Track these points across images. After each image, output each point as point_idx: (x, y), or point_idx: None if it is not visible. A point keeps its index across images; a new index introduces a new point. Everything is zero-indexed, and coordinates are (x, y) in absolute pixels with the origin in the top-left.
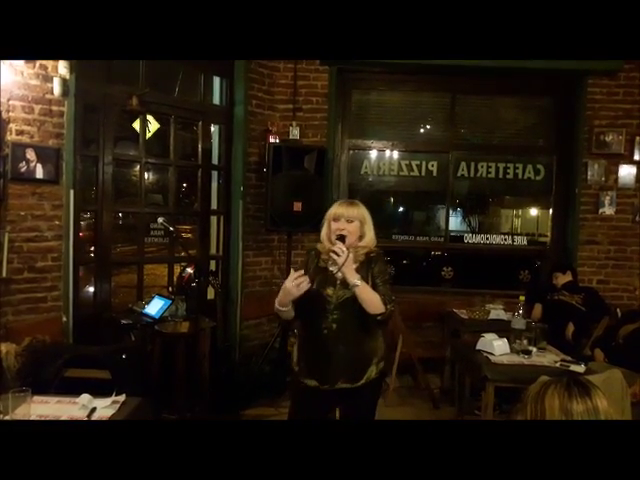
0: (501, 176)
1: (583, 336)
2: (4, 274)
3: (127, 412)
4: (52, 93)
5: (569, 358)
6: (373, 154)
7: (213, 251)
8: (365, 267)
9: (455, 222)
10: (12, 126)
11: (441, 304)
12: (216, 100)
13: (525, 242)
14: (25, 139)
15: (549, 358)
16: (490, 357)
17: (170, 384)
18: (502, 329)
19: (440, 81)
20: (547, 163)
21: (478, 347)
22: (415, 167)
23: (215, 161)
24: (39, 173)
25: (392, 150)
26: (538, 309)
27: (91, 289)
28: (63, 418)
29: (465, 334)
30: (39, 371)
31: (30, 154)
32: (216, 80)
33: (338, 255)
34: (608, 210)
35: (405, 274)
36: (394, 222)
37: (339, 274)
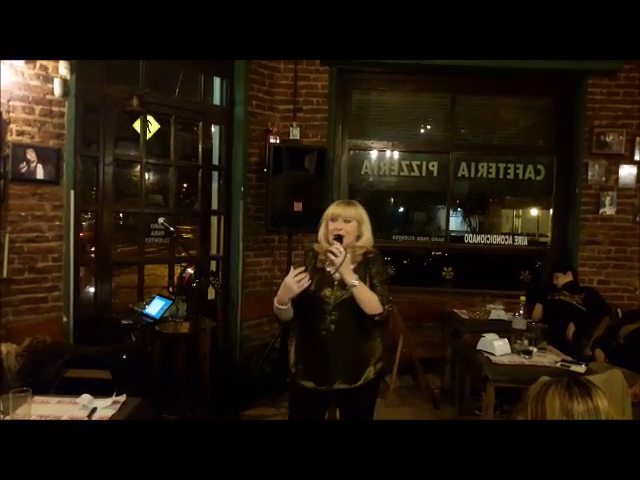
0: (501, 176)
1: (584, 336)
2: (5, 274)
3: (127, 412)
4: (52, 94)
5: (570, 358)
6: (373, 154)
7: (213, 251)
8: (363, 267)
9: (455, 222)
10: (13, 127)
11: (442, 304)
12: (216, 100)
13: (525, 242)
14: (26, 140)
15: (550, 358)
16: (491, 357)
17: (170, 384)
18: (503, 329)
19: (440, 81)
20: (547, 163)
21: (479, 347)
22: (415, 167)
23: (215, 161)
24: (40, 174)
25: (392, 150)
26: (539, 309)
27: (92, 289)
28: (63, 418)
29: (466, 334)
30: (40, 371)
31: (31, 155)
32: (216, 80)
33: (336, 255)
34: (609, 210)
35: (405, 274)
36: (394, 222)
37: (337, 275)
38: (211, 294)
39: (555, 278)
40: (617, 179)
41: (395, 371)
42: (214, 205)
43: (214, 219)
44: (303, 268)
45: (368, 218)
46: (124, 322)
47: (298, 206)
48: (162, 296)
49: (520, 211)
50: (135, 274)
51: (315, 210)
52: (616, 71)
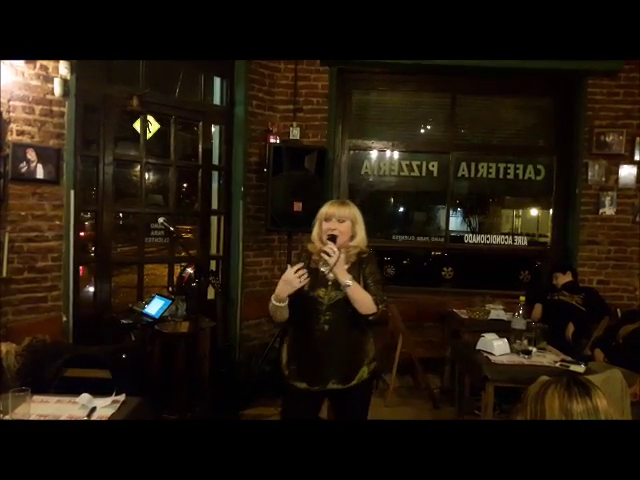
0: (501, 176)
1: (583, 336)
2: (4, 274)
3: (127, 412)
4: (53, 94)
5: (569, 358)
6: (373, 154)
7: (213, 251)
8: (357, 267)
9: (455, 222)
10: (13, 126)
11: (441, 304)
12: (216, 100)
13: (525, 242)
14: (26, 139)
15: (549, 358)
16: (490, 357)
17: (170, 384)
18: (502, 329)
19: (440, 81)
20: (547, 163)
21: (478, 347)
22: (415, 167)
23: (215, 161)
24: (39, 173)
25: (392, 150)
26: (538, 309)
27: (91, 289)
28: (63, 418)
29: (465, 334)
30: (39, 371)
31: (31, 154)
32: (216, 80)
33: (329, 255)
34: (608, 210)
35: (405, 274)
36: (394, 222)
37: (330, 275)
38: (211, 294)
39: (555, 278)
40: (617, 179)
41: (395, 371)
42: (214, 205)
43: (214, 219)
44: (302, 264)
45: (362, 218)
46: (124, 322)
47: (298, 206)
48: (162, 296)
49: (520, 211)
50: (135, 274)
51: (315, 210)
52: (616, 71)
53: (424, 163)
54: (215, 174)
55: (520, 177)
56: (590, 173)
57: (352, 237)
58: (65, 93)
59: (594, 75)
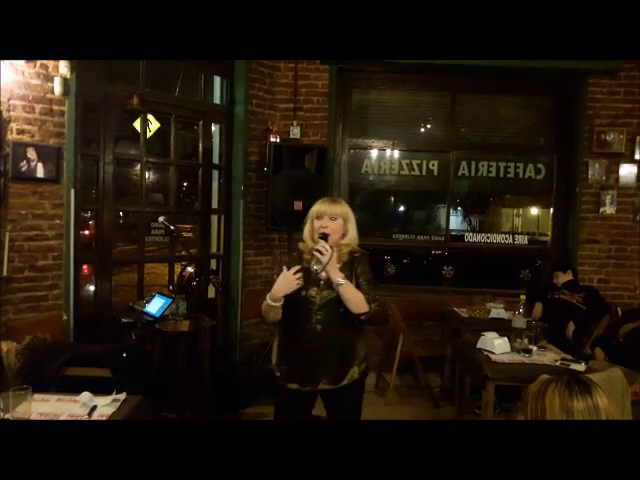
0: (502, 175)
1: (583, 335)
2: (5, 273)
3: (127, 410)
4: (53, 92)
5: (569, 357)
6: (374, 153)
7: (214, 250)
8: (349, 267)
9: (456, 221)
10: (13, 125)
11: (442, 303)
12: (217, 99)
13: (526, 241)
14: (26, 138)
15: (549, 357)
16: (490, 356)
17: (170, 383)
18: (503, 328)
19: (440, 80)
20: (548, 162)
21: (478, 346)
22: (416, 166)
23: (216, 160)
24: (40, 172)
25: (393, 149)
26: (539, 308)
27: (92, 288)
28: (63, 416)
29: (466, 333)
30: (40, 369)
31: (31, 153)
32: (217, 79)
33: (322, 254)
34: (609, 209)
35: (406, 273)
36: (395, 221)
37: (323, 273)
38: (211, 293)
39: (555, 277)
40: (617, 178)
41: (395, 370)
42: (214, 204)
43: (214, 218)
44: (300, 267)
45: (353, 215)
46: (124, 320)
47: (298, 205)
48: (162, 294)
49: (520, 210)
50: (135, 272)
51: None
52: (616, 70)
53: (424, 162)
54: (215, 173)
55: (520, 176)
56: (590, 172)
57: (344, 235)
58: (65, 92)
59: (594, 74)
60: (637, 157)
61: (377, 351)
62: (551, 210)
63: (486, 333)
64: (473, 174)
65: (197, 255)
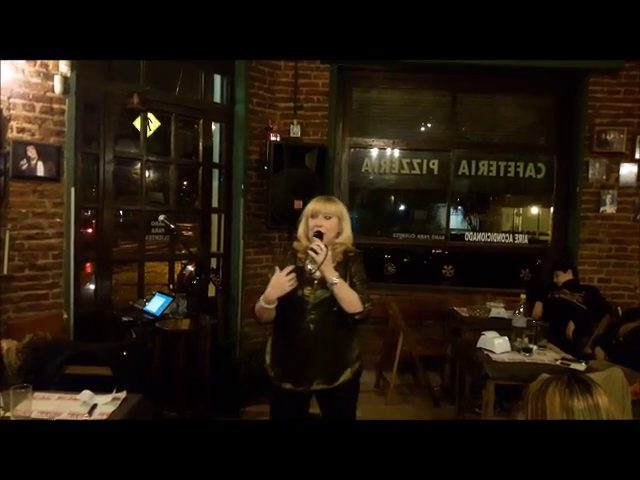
0: (502, 174)
1: (584, 334)
2: (5, 271)
3: (128, 409)
4: (53, 91)
5: (570, 356)
6: (374, 152)
7: (214, 249)
8: (343, 266)
9: (456, 220)
10: (13, 124)
11: (442, 302)
12: (217, 98)
13: (526, 240)
14: (26, 137)
15: (550, 356)
16: (491, 355)
17: (171, 381)
18: (503, 327)
19: (441, 79)
20: (548, 161)
21: (479, 345)
22: (416, 165)
23: (216, 159)
24: (40, 171)
25: (393, 148)
26: (539, 307)
27: (92, 286)
28: (64, 414)
29: (466, 332)
30: (40, 368)
31: (31, 152)
32: (217, 78)
33: (317, 253)
34: (609, 209)
35: (406, 272)
36: (395, 220)
37: (317, 273)
38: (211, 291)
39: (555, 276)
40: (618, 177)
41: (395, 369)
42: (214, 203)
43: (214, 217)
44: (293, 267)
45: (348, 214)
46: (124, 319)
47: (298, 204)
48: (162, 293)
49: (520, 209)
50: (135, 271)
51: None
52: (617, 69)
53: (425, 161)
54: (215, 172)
55: (521, 175)
56: (591, 171)
57: (338, 234)
58: (65, 90)
59: (595, 73)
60: (637, 156)
61: (377, 350)
62: (551, 209)
63: (486, 332)
64: (473, 173)
65: (197, 254)
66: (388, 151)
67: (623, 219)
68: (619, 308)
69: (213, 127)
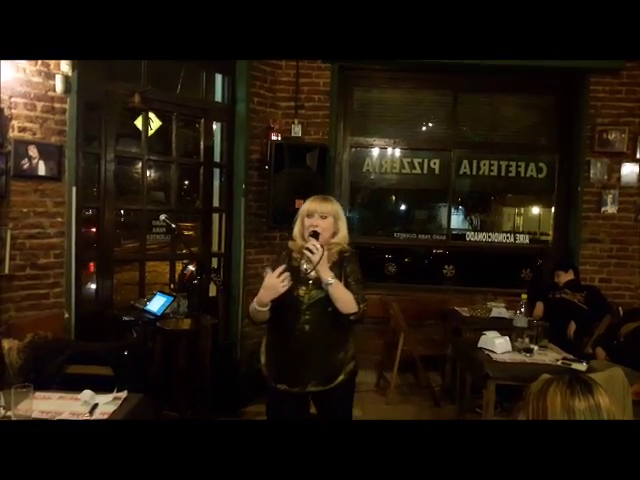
0: (503, 174)
1: (585, 334)
2: (6, 270)
3: (128, 409)
4: (54, 90)
5: (571, 356)
6: (375, 152)
7: (215, 248)
8: (338, 266)
9: (457, 220)
10: (14, 123)
11: (443, 302)
12: (218, 98)
13: (527, 240)
14: (27, 136)
15: (551, 356)
16: (491, 355)
17: (171, 381)
18: (504, 327)
19: (442, 79)
20: (549, 161)
21: (479, 345)
22: (417, 165)
23: (217, 159)
24: (41, 170)
25: (394, 148)
26: (540, 307)
27: (93, 286)
28: (65, 414)
29: (466, 332)
30: (41, 367)
31: (32, 151)
32: (218, 78)
33: (312, 253)
34: (610, 208)
35: (407, 272)
36: (396, 220)
37: (312, 273)
38: (212, 291)
39: (556, 276)
40: (619, 177)
41: (396, 369)
42: (215, 202)
43: (215, 216)
44: (285, 267)
45: (344, 214)
46: (125, 318)
47: (299, 203)
48: (163, 293)
49: (522, 209)
50: (136, 271)
51: None
52: (618, 69)
53: (426, 161)
54: (217, 171)
55: (522, 175)
56: (592, 171)
57: (334, 234)
58: (67, 90)
59: (596, 73)
60: (639, 156)
61: (378, 350)
62: (552, 209)
63: (487, 332)
64: (474, 173)
65: (198, 253)
66: (389, 151)
67: (624, 219)
68: (620, 308)
69: (214, 126)
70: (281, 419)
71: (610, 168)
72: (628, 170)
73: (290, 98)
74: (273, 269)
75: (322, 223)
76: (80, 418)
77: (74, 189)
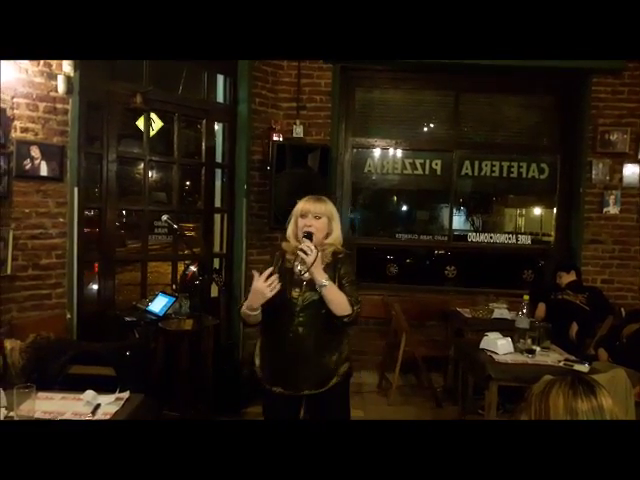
0: (505, 175)
1: (587, 336)
2: (9, 271)
3: (130, 409)
4: (56, 91)
5: (573, 357)
6: (376, 152)
7: (217, 249)
8: (332, 268)
9: (459, 221)
10: (17, 123)
11: (444, 303)
12: (220, 98)
13: (529, 241)
14: (29, 136)
15: (553, 357)
16: (494, 356)
17: (173, 381)
18: (506, 328)
19: (443, 79)
20: (551, 162)
21: (482, 346)
22: (419, 165)
23: (219, 159)
24: (43, 170)
25: (396, 148)
26: (542, 308)
27: (95, 286)
28: (67, 414)
29: (468, 333)
30: (43, 367)
31: (34, 151)
32: (220, 78)
33: (306, 254)
34: (612, 209)
35: (408, 273)
36: (397, 221)
37: (306, 274)
38: (214, 292)
39: (558, 277)
40: (621, 178)
41: (398, 369)
42: (217, 203)
43: (217, 217)
44: (271, 269)
45: (338, 214)
46: (127, 319)
47: None
48: (165, 293)
49: (523, 210)
50: (138, 271)
51: None
52: (620, 69)
53: (427, 161)
54: (218, 172)
55: (524, 176)
56: (594, 172)
57: (328, 234)
58: (69, 90)
59: (598, 73)
60: None
61: (380, 351)
62: (554, 210)
63: (489, 333)
64: (476, 174)
65: (200, 254)
66: (391, 151)
67: (626, 220)
68: (622, 309)
69: (216, 127)
70: (278, 420)
71: (612, 169)
72: (630, 171)
73: (292, 99)
74: (261, 272)
75: (316, 223)
76: (82, 418)
77: (76, 189)
